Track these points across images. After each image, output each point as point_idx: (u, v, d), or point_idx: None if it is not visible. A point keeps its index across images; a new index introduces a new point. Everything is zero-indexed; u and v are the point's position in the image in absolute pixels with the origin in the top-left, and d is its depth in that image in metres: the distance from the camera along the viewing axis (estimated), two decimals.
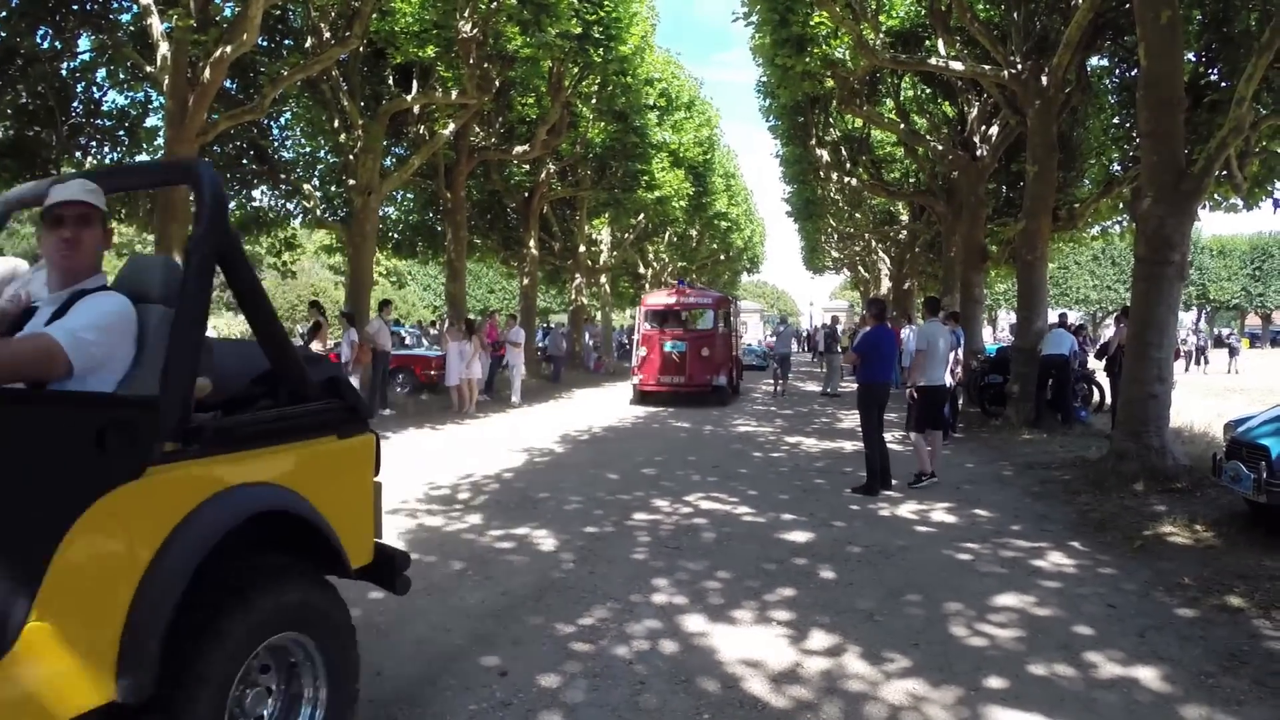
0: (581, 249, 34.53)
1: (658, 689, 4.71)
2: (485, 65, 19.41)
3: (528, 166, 27.96)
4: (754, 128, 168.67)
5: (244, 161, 21.90)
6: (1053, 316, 18.54)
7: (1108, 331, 47.05)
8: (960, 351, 15.88)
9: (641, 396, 22.35)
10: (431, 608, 5.99)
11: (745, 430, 16.99)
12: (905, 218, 35.99)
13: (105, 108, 18.83)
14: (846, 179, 29.47)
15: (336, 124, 19.93)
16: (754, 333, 68.49)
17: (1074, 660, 5.11)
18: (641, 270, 47.53)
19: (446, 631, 5.55)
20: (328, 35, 17.44)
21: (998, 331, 58.88)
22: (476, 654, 5.18)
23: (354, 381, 15.39)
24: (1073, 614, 5.91)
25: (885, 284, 41.56)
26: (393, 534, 8.16)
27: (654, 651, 5.22)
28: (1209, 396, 22.30)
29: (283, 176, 22.61)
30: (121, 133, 18.83)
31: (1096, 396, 17.49)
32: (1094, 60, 18.53)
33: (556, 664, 5.03)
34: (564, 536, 8.07)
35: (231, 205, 23.21)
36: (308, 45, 17.73)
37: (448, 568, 7.01)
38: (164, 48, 14.12)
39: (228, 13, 15.96)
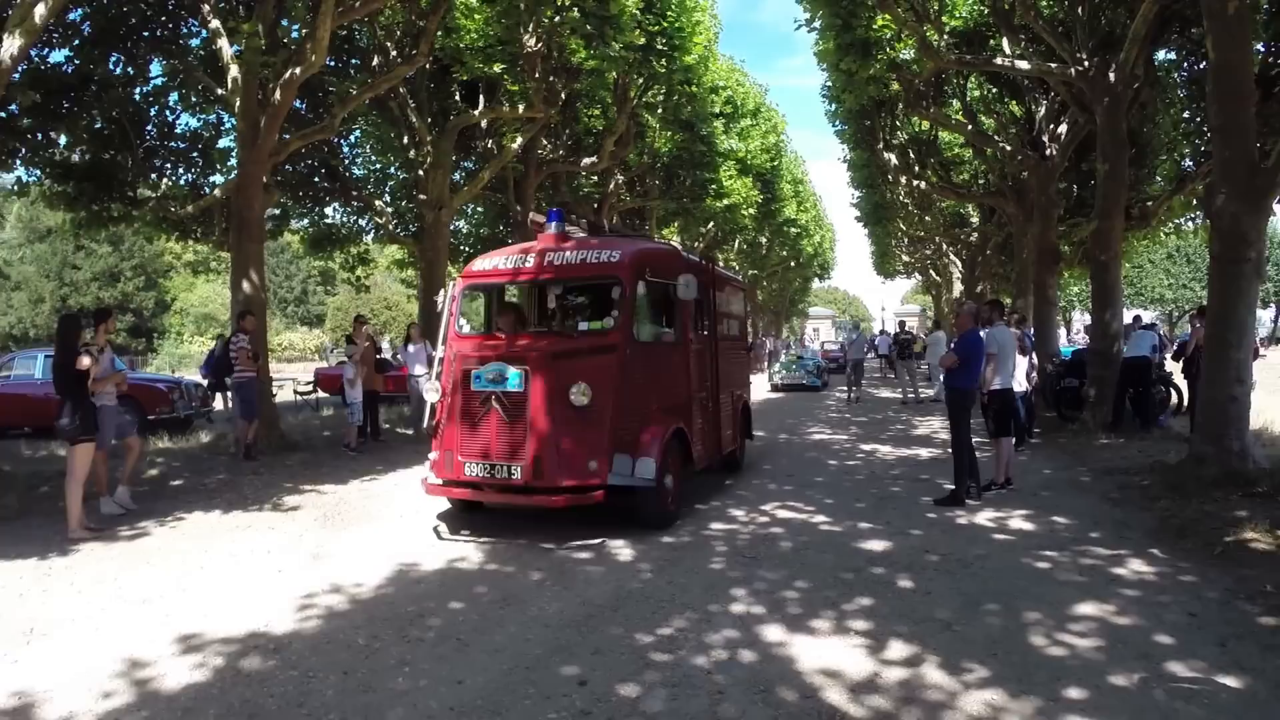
0: None
1: (736, 698, 4.76)
2: (551, 79, 19.58)
3: (596, 178, 28.10)
4: (821, 133, 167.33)
5: (316, 179, 22.30)
6: (1127, 317, 18.25)
7: (1185, 331, 46.18)
8: (1034, 355, 15.67)
9: (463, 513, 10.00)
10: (511, 617, 6.13)
11: (820, 438, 16.94)
12: (976, 220, 35.62)
13: (178, 130, 19.18)
14: (915, 182, 29.20)
15: (406, 140, 20.27)
16: (800, 341, 67.70)
17: (1154, 670, 5.06)
18: None
19: (526, 641, 5.68)
20: (394, 54, 17.78)
21: (1072, 333, 57.93)
22: (556, 663, 5.30)
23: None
24: (1153, 623, 5.85)
25: (957, 288, 41.06)
26: (472, 549, 8.34)
27: (733, 661, 5.28)
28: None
29: (354, 193, 22.98)
30: (195, 154, 19.24)
31: (1174, 399, 17.11)
32: (1161, 54, 18.28)
33: (635, 673, 5.12)
34: (641, 546, 8.20)
35: (304, 222, 23.70)
36: (374, 64, 18.09)
37: (526, 578, 7.17)
38: (234, 71, 14.51)
39: (295, 34, 16.36)
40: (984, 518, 9.28)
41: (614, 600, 6.55)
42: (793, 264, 60.20)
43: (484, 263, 10.09)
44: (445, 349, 9.62)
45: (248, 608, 6.56)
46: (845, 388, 26.91)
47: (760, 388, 31.13)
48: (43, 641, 5.96)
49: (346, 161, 23.61)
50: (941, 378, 14.18)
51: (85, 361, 9.07)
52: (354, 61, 19.94)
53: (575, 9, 17.70)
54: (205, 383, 16.73)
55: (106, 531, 9.22)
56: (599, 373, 8.66)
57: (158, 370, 48.52)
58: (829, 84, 23.94)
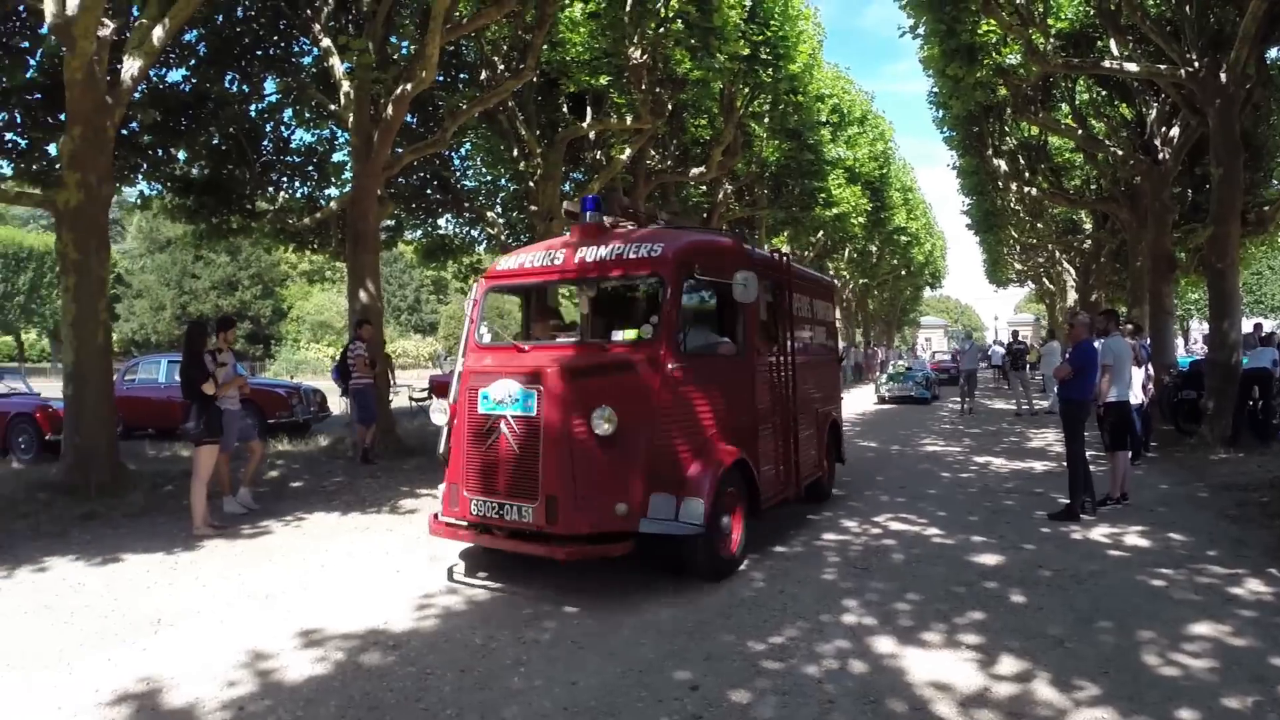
0: None
1: (846, 708, 4.79)
2: (656, 90, 19.72)
3: (705, 187, 28.19)
4: (929, 139, 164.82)
5: (428, 191, 22.82)
6: (1247, 326, 17.66)
7: None
8: (1150, 366, 15.24)
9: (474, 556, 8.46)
10: (625, 622, 6.24)
11: (933, 450, 16.76)
12: (1089, 227, 34.77)
13: (294, 145, 19.83)
14: (1026, 188, 28.64)
15: (515, 153, 20.60)
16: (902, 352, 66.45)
17: (1269, 694, 4.94)
18: None
19: (639, 645, 5.78)
20: (502, 68, 18.08)
21: (1190, 344, 56.15)
22: (669, 668, 5.38)
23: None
24: (1269, 645, 5.69)
25: (1071, 296, 40.13)
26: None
27: (843, 671, 5.30)
28: None
29: (466, 204, 23.44)
30: (310, 168, 19.84)
31: None
32: (1274, 53, 17.61)
33: (747, 680, 5.17)
34: (754, 555, 8.20)
35: (418, 233, 24.22)
36: (482, 78, 18.42)
37: (641, 584, 7.25)
38: (346, 87, 14.93)
39: (405, 51, 16.75)
40: (1099, 533, 9.08)
41: (726, 608, 6.61)
42: (903, 272, 59.56)
43: (510, 261, 8.68)
44: (462, 362, 8.16)
45: (367, 606, 6.78)
46: (958, 399, 26.49)
47: (867, 400, 30.82)
48: (169, 631, 6.26)
49: (458, 174, 24.11)
50: (1056, 389, 13.85)
51: (209, 388, 9.47)
52: (462, 76, 20.34)
53: (679, 20, 17.81)
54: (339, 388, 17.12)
55: (229, 530, 9.60)
56: (631, 393, 7.13)
57: (275, 376, 49.95)
58: (935, 90, 23.67)
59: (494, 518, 7.07)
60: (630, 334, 7.81)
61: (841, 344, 49.44)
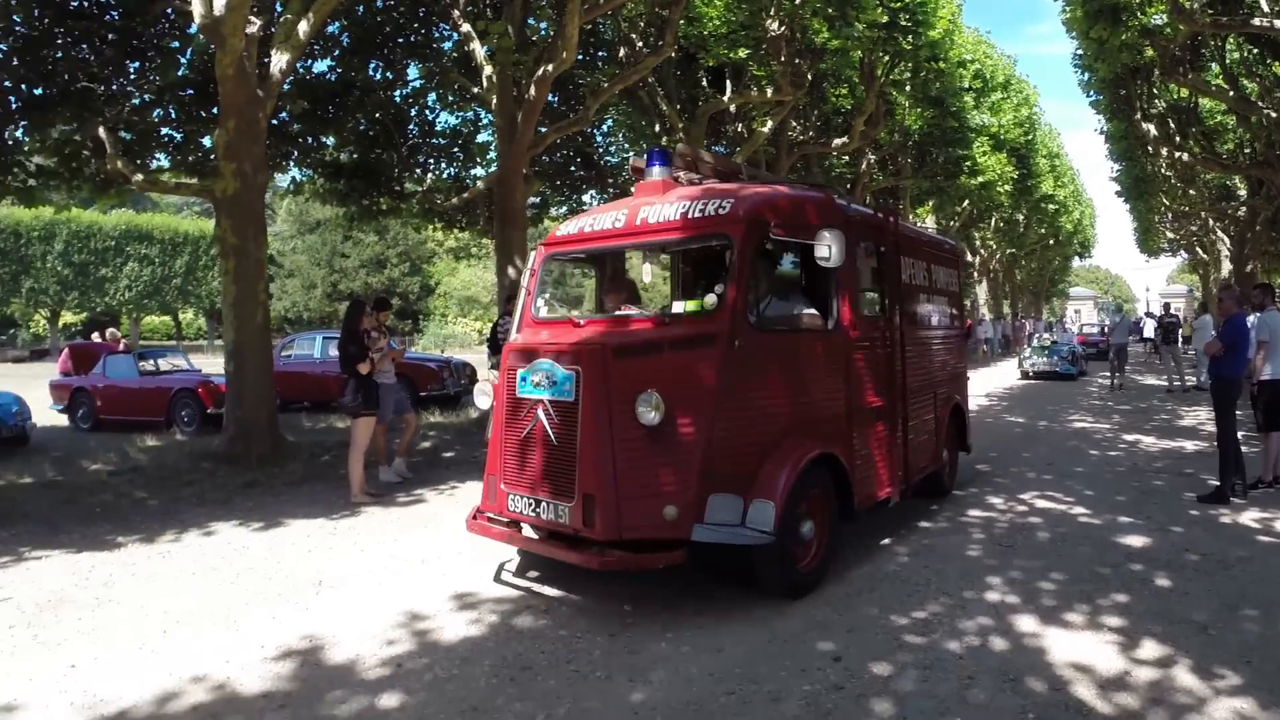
0: None
1: (986, 685, 4.80)
2: (795, 61, 19.58)
3: (848, 158, 27.94)
4: (1075, 102, 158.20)
5: (572, 169, 23.12)
6: None
7: None
8: None
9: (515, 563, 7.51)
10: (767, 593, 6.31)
11: (1081, 426, 16.35)
12: (1243, 193, 33.15)
13: (439, 128, 20.41)
14: (1176, 153, 27.37)
15: (657, 128, 20.71)
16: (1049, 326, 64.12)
17: None
18: (969, 257, 46.24)
19: (784, 615, 5.89)
20: (640, 45, 18.20)
21: None
22: (812, 638, 5.48)
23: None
24: None
25: (1225, 267, 38.40)
26: None
27: (984, 648, 5.31)
28: None
29: (609, 180, 23.67)
30: (456, 150, 20.35)
31: None
32: None
33: (889, 653, 5.23)
34: (900, 531, 8.23)
35: (563, 209, 24.65)
36: (621, 56, 18.56)
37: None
38: (488, 70, 15.23)
39: (544, 31, 17.01)
40: (1249, 517, 8.75)
41: (871, 581, 6.67)
42: (1051, 242, 57.88)
43: (571, 225, 7.70)
44: (517, 338, 7.28)
45: (519, 571, 7.04)
46: (1106, 374, 25.65)
47: (1013, 374, 30.11)
48: (330, 593, 6.61)
49: (601, 150, 24.35)
50: (1206, 366, 13.35)
51: (365, 368, 9.90)
52: (601, 54, 20.56)
53: None
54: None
55: (385, 497, 10.03)
56: (687, 374, 6.09)
57: (424, 350, 51.25)
58: (1079, 52, 22.86)
59: (530, 516, 6.23)
60: (693, 305, 6.68)
61: (987, 315, 47.76)
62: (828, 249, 6.22)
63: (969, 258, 45.60)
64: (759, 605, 6.04)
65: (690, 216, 6.66)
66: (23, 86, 13.42)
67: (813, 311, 7.10)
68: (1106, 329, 36.94)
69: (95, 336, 28.92)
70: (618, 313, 7.17)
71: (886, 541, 7.86)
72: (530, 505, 6.19)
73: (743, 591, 6.31)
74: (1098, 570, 6.91)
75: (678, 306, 6.94)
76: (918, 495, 8.89)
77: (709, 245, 7.15)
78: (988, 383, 26.72)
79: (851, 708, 4.56)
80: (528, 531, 6.54)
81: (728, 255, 6.63)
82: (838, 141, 24.48)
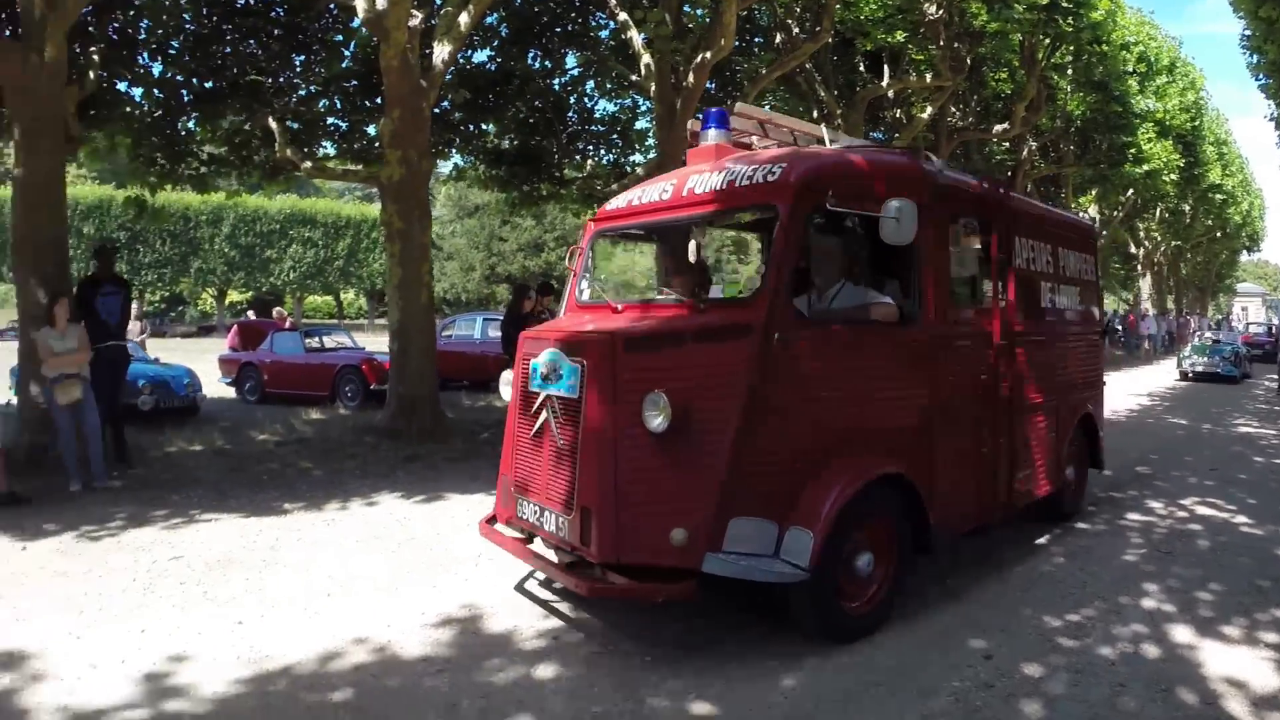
0: None
1: (1137, 693, 4.70)
2: (955, 45, 19.18)
3: (1008, 145, 27.28)
4: (1244, 85, 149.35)
5: None
6: None
7: None
8: None
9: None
10: (926, 589, 6.28)
11: (1246, 431, 15.66)
12: None
13: (597, 115, 20.63)
14: None
15: (815, 115, 20.55)
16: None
17: None
18: (1133, 250, 44.47)
19: (939, 611, 5.86)
20: (796, 30, 18.07)
21: None
22: (965, 635, 5.44)
23: None
24: None
25: None
26: None
27: (1137, 655, 5.19)
28: None
29: None
30: (615, 136, 20.57)
31: None
32: None
33: (1041, 655, 5.16)
34: (1055, 530, 8.05)
35: None
36: (777, 42, 18.47)
37: (948, 553, 7.07)
38: (645, 58, 15.34)
39: (700, 18, 17.02)
40: None
41: (1026, 581, 6.57)
42: (1218, 234, 55.14)
43: (620, 199, 6.79)
44: None
45: None
46: (1275, 376, 24.29)
47: (1171, 374, 28.87)
48: (489, 564, 6.83)
49: None
50: None
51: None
52: (757, 40, 20.46)
53: None
54: None
55: None
56: (711, 373, 5.07)
57: None
58: (1248, 33, 21.65)
59: (536, 524, 5.53)
60: (732, 289, 5.83)
61: (1151, 311, 45.59)
62: (895, 222, 5.16)
63: (1132, 249, 43.76)
64: (912, 600, 5.99)
65: (737, 185, 5.60)
66: (194, 80, 14.29)
67: (885, 300, 5.94)
68: (1275, 329, 34.96)
69: (250, 314, 30.48)
70: (659, 297, 6.18)
71: (1043, 541, 7.72)
72: (536, 513, 5.50)
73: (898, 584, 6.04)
74: (1258, 583, 6.63)
75: (715, 291, 5.93)
76: (1030, 519, 8.05)
77: (759, 217, 6.14)
78: (1149, 382, 25.77)
79: (1000, 707, 4.53)
80: (541, 543, 5.85)
81: (774, 230, 5.42)
82: (998, 128, 23.92)
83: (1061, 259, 8.23)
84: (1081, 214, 30.64)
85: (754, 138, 6.96)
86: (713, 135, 6.36)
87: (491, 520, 6.13)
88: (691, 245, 6.39)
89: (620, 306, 6.08)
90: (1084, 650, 5.24)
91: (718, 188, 5.69)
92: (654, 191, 6.27)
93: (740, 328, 5.12)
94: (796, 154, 5.90)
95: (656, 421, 4.85)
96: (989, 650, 5.21)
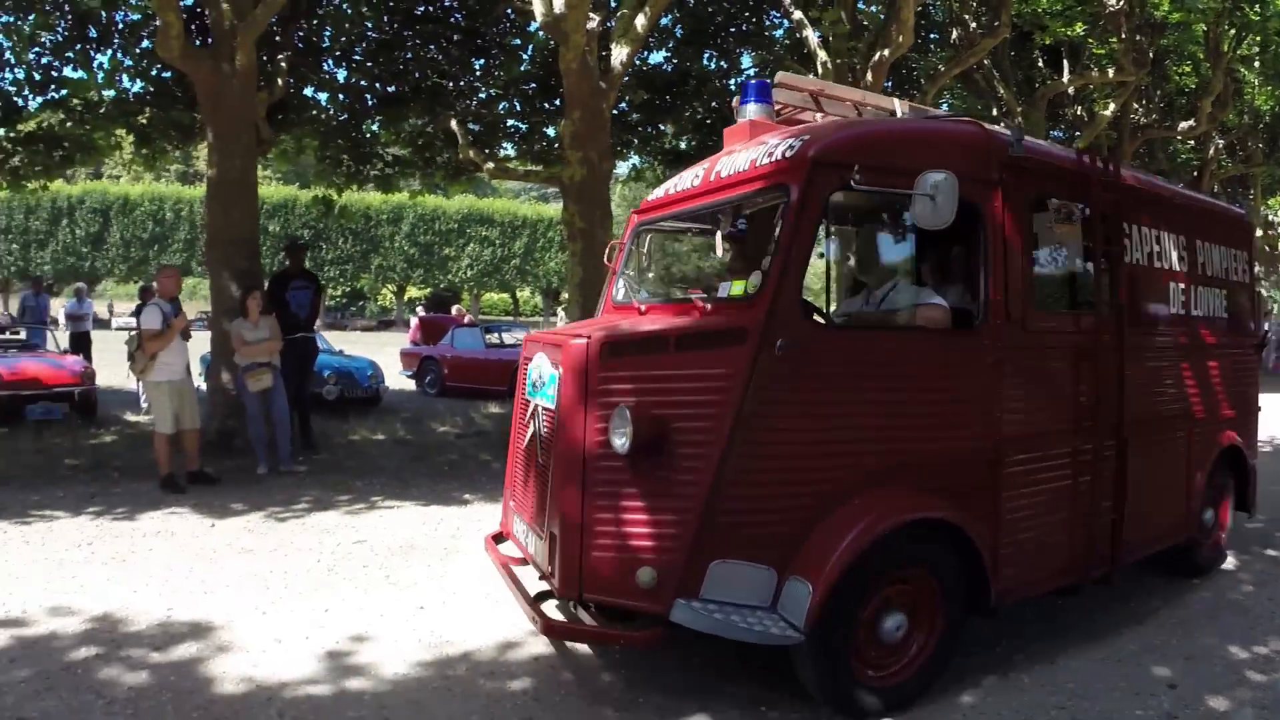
0: (1259, 234, 30.97)
1: None
2: (1137, 37, 18.39)
3: (1193, 143, 25.96)
4: None
5: None
6: None
7: None
8: None
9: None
10: (1111, 608, 6.06)
11: None
12: None
13: None
14: None
15: (995, 112, 20.04)
16: None
17: None
18: None
19: (1122, 635, 5.63)
20: (973, 26, 17.63)
21: None
22: (1148, 662, 5.22)
23: None
24: None
25: None
26: None
27: None
28: None
29: None
30: None
31: None
32: None
33: (1227, 687, 4.91)
34: (1244, 558, 7.60)
35: None
36: (954, 38, 18.05)
37: (1131, 576, 6.60)
38: (822, 56, 15.20)
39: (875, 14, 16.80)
40: None
41: (1212, 608, 6.24)
42: None
43: (661, 188, 6.04)
44: None
45: None
46: None
47: None
48: None
49: None
50: None
51: None
52: (933, 36, 20.08)
53: None
54: None
55: None
56: (693, 386, 4.25)
57: None
58: None
59: (523, 544, 5.04)
60: (739, 287, 4.64)
61: None
62: (929, 201, 4.14)
63: None
64: (1097, 620, 5.80)
65: (757, 165, 4.75)
66: (377, 85, 14.90)
67: (937, 302, 4.93)
68: None
69: (420, 310, 31.55)
70: (693, 296, 5.16)
71: (1230, 567, 7.31)
72: (524, 533, 4.96)
73: (1083, 603, 5.81)
74: None
75: (724, 288, 4.89)
76: (1156, 572, 6.71)
77: (772, 203, 4.85)
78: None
79: None
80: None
81: (782, 213, 4.49)
82: (1184, 125, 22.71)
83: (1200, 254, 6.73)
84: (1272, 216, 28.92)
85: (809, 112, 6.04)
86: (750, 110, 5.49)
87: (498, 537, 5.66)
88: (718, 236, 5.68)
89: (644, 307, 5.37)
90: (1273, 685, 4.97)
91: (743, 169, 4.89)
92: (688, 178, 5.55)
93: (732, 333, 4.28)
94: (823, 126, 5.17)
95: (619, 442, 4.13)
96: (1173, 679, 4.97)
